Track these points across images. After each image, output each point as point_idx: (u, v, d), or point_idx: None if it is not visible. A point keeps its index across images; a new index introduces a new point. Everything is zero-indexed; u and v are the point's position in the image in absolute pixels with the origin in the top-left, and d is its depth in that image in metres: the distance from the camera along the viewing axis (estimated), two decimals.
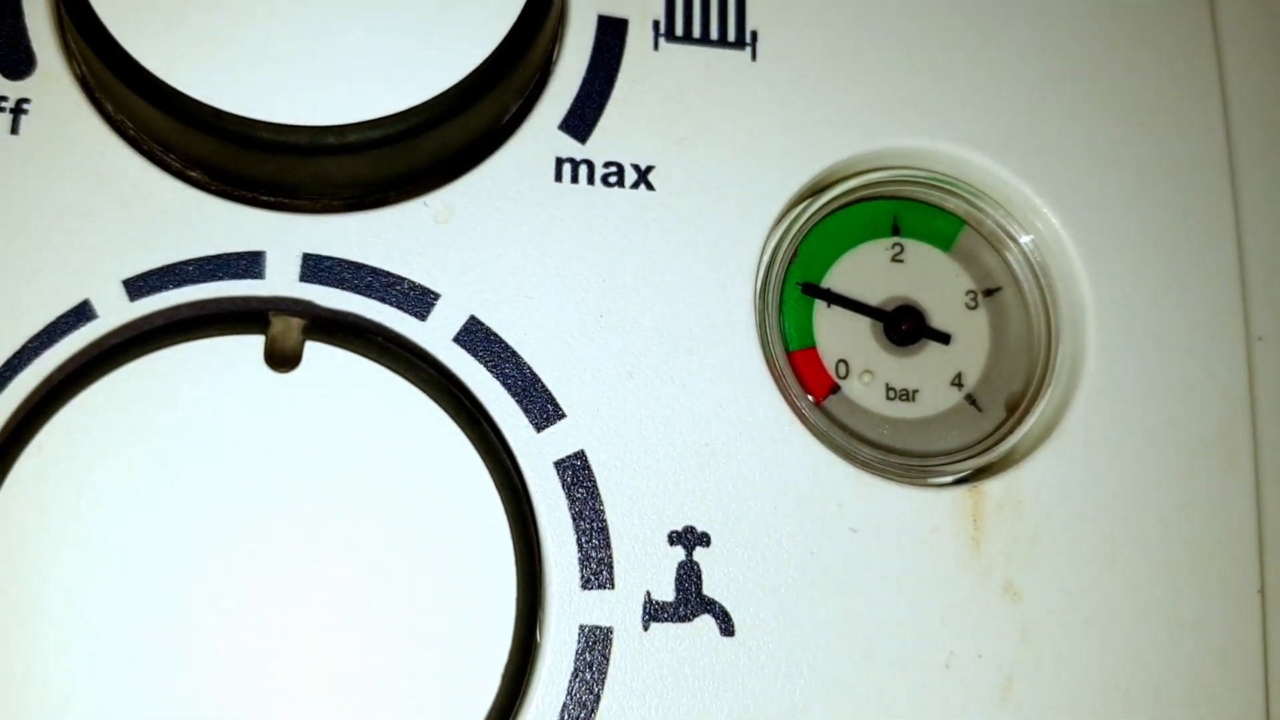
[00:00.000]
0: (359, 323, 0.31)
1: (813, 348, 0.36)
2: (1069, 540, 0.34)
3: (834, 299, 0.36)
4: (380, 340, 0.30)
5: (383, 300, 0.32)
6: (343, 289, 0.32)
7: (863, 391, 0.36)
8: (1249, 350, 0.37)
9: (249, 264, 0.32)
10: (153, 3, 0.31)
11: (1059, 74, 0.37)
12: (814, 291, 0.36)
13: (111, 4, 0.31)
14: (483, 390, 0.32)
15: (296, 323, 0.29)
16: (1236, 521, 0.35)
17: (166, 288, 0.31)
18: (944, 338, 0.36)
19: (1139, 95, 0.37)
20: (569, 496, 0.32)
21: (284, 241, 0.32)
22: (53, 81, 0.33)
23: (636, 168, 0.34)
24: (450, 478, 0.29)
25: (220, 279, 0.32)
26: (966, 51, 0.37)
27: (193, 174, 0.32)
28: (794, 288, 0.36)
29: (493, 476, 0.29)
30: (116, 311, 0.31)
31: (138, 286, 0.31)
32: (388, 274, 0.32)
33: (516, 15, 0.31)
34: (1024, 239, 0.37)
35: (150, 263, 0.32)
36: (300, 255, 0.32)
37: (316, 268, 0.32)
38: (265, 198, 0.33)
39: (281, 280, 0.32)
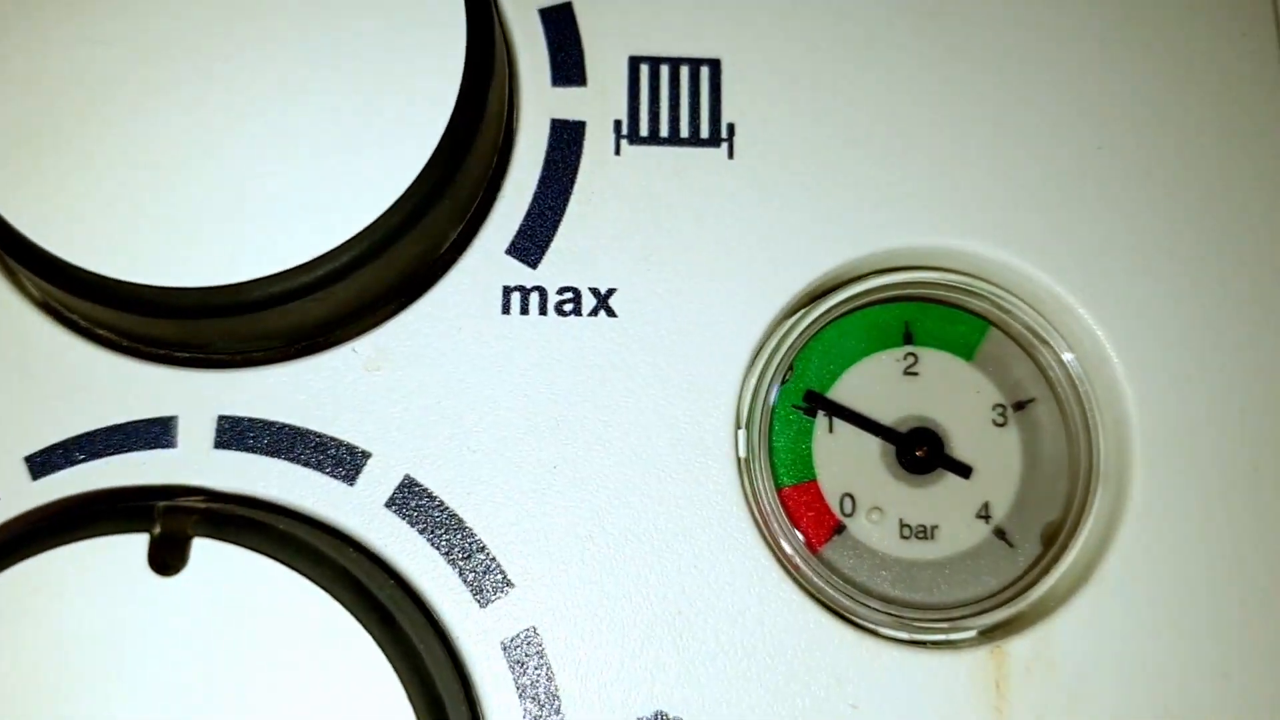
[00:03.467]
0: (256, 509, 0.28)
1: (813, 481, 0.31)
2: (1113, 710, 0.29)
3: (839, 412, 0.31)
4: (281, 529, 0.26)
5: (307, 464, 0.29)
6: (261, 454, 0.29)
7: (871, 530, 0.31)
8: None
9: (159, 432, 0.29)
10: (34, 171, 0.27)
11: (1084, 159, 0.32)
12: (818, 402, 0.31)
13: None
14: (417, 562, 0.29)
15: (182, 520, 0.26)
16: None
17: (72, 463, 0.29)
18: (964, 470, 0.31)
19: (1187, 182, 0.32)
20: (517, 682, 0.28)
21: (197, 403, 0.29)
22: None
23: (595, 292, 0.30)
24: (356, 685, 0.25)
25: (128, 450, 0.29)
26: (980, 136, 0.32)
27: (101, 333, 0.29)
28: (789, 413, 0.31)
29: (402, 679, 0.25)
30: (17, 492, 0.28)
31: (39, 464, 0.29)
32: (311, 434, 0.29)
33: (436, 143, 0.27)
34: (1059, 345, 0.31)
35: (54, 436, 0.29)
36: (215, 418, 0.29)
37: (232, 431, 0.29)
38: (179, 354, 0.29)
39: (194, 448, 0.29)
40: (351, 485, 0.29)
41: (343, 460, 0.29)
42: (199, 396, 0.29)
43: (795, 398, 0.32)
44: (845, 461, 0.31)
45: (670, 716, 0.28)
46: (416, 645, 0.26)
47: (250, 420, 0.29)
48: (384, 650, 0.25)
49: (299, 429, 0.29)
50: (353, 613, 0.26)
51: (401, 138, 0.28)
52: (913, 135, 0.32)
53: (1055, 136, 0.32)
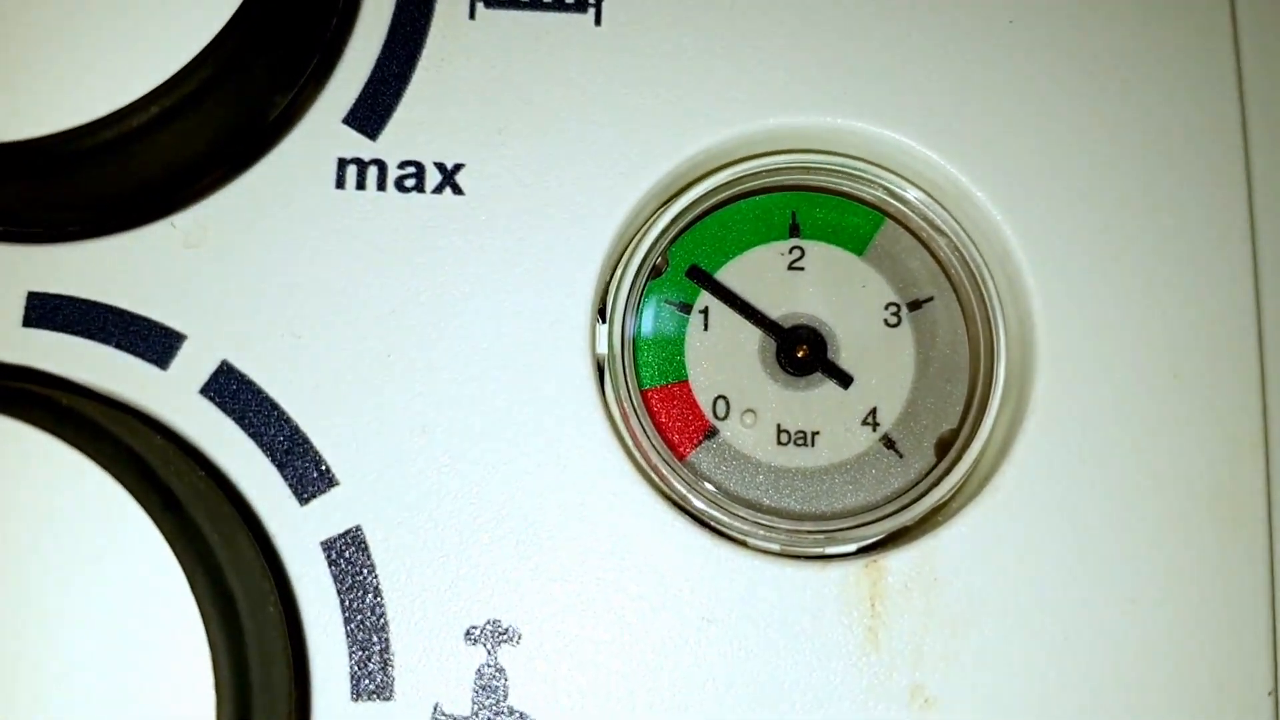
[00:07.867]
0: (57, 389, 0.25)
1: (683, 381, 0.29)
2: (1004, 635, 0.26)
3: (719, 293, 0.29)
4: (64, 404, 0.24)
5: (119, 346, 0.27)
6: (71, 333, 0.27)
7: (745, 434, 0.28)
8: (1263, 370, 0.28)
9: None
10: None
11: (993, 32, 0.29)
12: (700, 279, 0.29)
13: None
14: (232, 454, 0.26)
15: None
16: (1242, 605, 0.27)
17: None
18: (844, 378, 0.28)
19: (1106, 63, 0.29)
20: (339, 584, 0.26)
21: (9, 279, 0.27)
22: None
23: (441, 167, 0.28)
24: (135, 568, 0.23)
25: None
26: (875, 3, 0.29)
27: None
28: (661, 308, 0.29)
29: (185, 567, 0.23)
30: None
31: None
32: (123, 313, 0.27)
33: None
34: (958, 236, 0.29)
35: None
36: (25, 295, 0.27)
37: (43, 309, 0.27)
38: None
39: (3, 325, 0.27)
40: (164, 369, 0.26)
41: (156, 343, 0.27)
42: (10, 272, 0.27)
43: (670, 291, 0.29)
44: (720, 361, 0.29)
45: (504, 625, 0.26)
46: (207, 534, 0.24)
47: (61, 297, 0.27)
48: (165, 536, 0.23)
49: (111, 308, 0.27)
50: (135, 495, 0.23)
51: None
52: (799, 3, 0.29)
53: (960, 6, 0.29)
